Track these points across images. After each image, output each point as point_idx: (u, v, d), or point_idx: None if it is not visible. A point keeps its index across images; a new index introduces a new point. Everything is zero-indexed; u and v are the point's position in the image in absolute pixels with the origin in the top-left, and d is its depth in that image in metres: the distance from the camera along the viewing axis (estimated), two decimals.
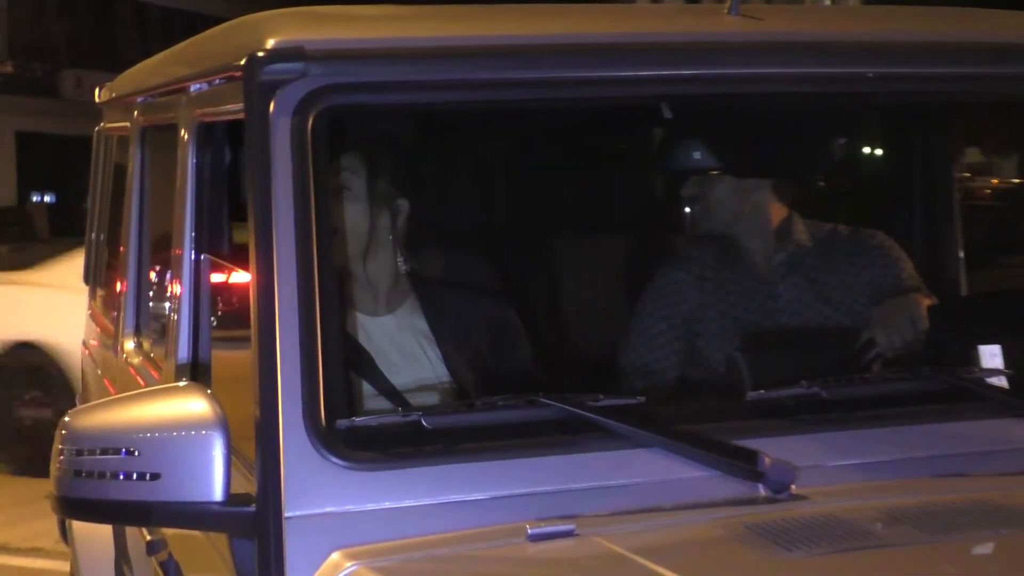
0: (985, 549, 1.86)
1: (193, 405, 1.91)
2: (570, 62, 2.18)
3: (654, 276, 2.87)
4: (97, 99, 4.27)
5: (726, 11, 2.37)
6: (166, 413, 1.91)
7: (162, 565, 2.65)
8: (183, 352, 2.56)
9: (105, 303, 4.02)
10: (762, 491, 1.95)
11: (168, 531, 2.74)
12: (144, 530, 2.89)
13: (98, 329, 4.11)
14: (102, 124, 4.31)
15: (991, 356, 2.24)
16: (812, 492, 1.96)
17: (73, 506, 1.98)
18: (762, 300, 2.79)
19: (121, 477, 1.89)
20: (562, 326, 3.19)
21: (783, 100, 2.46)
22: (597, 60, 2.20)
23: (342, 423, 1.92)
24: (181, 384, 2.12)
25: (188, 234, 2.59)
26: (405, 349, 2.70)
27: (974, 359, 2.26)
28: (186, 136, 2.62)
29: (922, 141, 3.34)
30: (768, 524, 1.86)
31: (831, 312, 2.76)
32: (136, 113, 3.39)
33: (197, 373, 2.53)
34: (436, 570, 1.84)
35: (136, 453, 1.89)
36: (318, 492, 1.87)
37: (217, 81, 2.36)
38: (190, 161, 2.60)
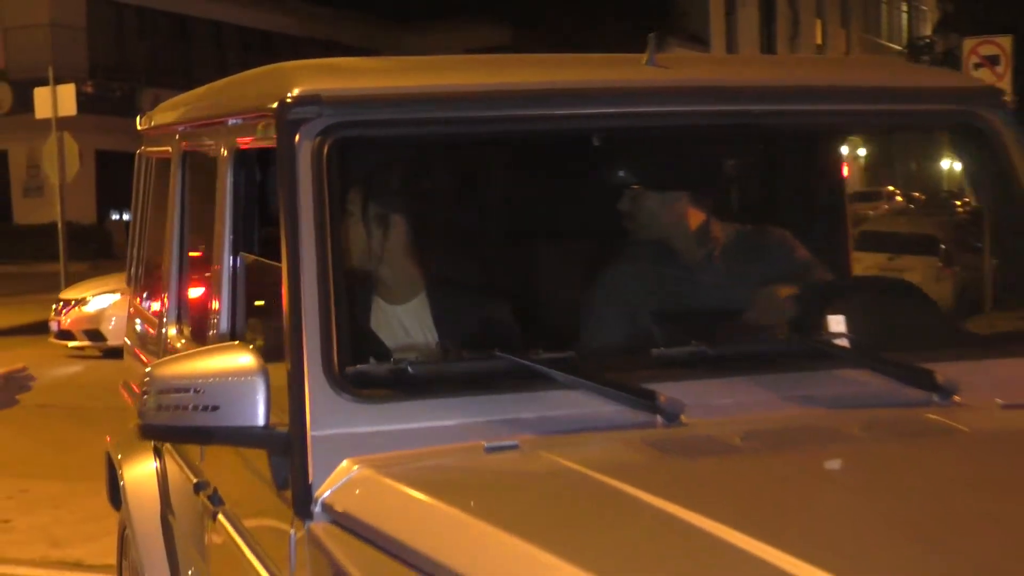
0: (814, 456, 2.58)
1: (243, 359, 2.63)
2: (522, 103, 2.92)
3: (604, 269, 3.59)
4: (139, 126, 4.98)
5: (644, 62, 3.11)
6: (223, 363, 2.63)
7: (209, 498, 3.36)
8: (224, 326, 3.28)
9: (148, 299, 4.74)
10: (659, 420, 2.66)
11: (209, 471, 3.47)
12: (191, 474, 3.62)
13: (139, 324, 4.83)
14: (143, 148, 5.02)
15: (837, 323, 2.96)
16: (696, 422, 2.68)
17: (155, 432, 2.69)
18: (685, 285, 3.50)
19: (190, 409, 2.60)
20: (536, 309, 3.90)
21: (688, 131, 3.19)
22: (544, 101, 2.94)
23: (350, 370, 2.63)
24: (234, 344, 2.84)
25: (227, 236, 3.31)
26: (409, 330, 3.41)
27: (827, 326, 2.98)
28: (225, 158, 3.34)
29: (815, 158, 4.10)
30: (660, 440, 2.58)
31: (740, 292, 3.47)
32: (178, 139, 4.10)
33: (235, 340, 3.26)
34: (418, 472, 2.54)
35: (201, 392, 2.60)
36: (333, 419, 2.57)
37: (253, 117, 3.08)
38: (228, 178, 3.33)
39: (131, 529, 4.29)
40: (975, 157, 3.39)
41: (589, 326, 3.46)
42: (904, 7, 65.35)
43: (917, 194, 40.45)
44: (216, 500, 3.33)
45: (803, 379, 2.81)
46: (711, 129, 3.19)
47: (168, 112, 4.52)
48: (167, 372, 2.68)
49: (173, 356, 2.82)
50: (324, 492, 2.52)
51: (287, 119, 2.75)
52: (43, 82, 20.30)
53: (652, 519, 2.16)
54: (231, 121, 3.34)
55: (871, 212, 26.78)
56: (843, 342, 2.90)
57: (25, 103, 27.59)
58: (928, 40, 38.95)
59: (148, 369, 2.72)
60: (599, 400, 2.68)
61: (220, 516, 3.29)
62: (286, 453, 2.60)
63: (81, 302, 15.43)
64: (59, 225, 19.76)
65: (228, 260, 3.31)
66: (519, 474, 2.57)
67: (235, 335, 3.25)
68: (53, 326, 15.59)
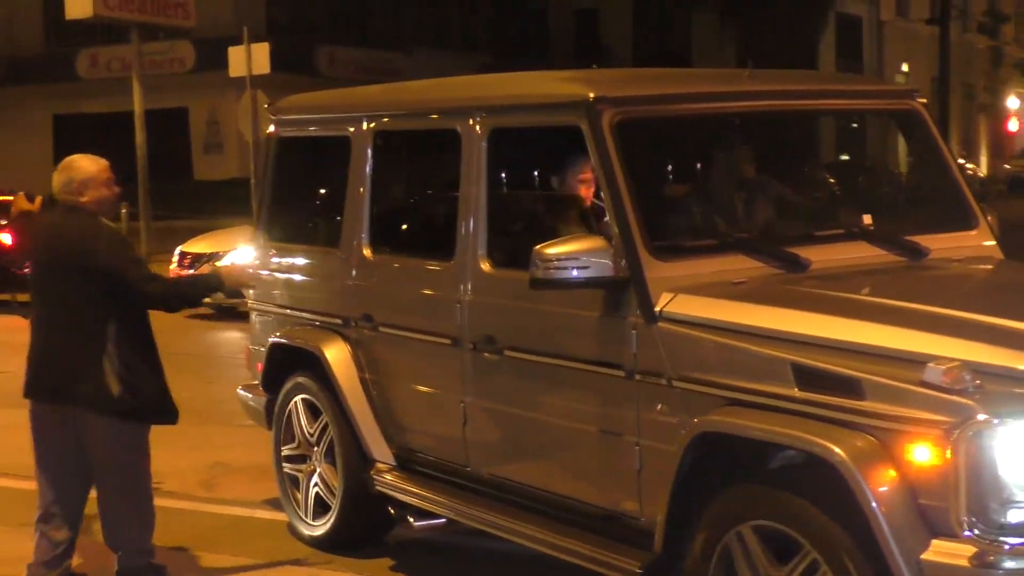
0: (890, 277, 4.78)
1: (595, 242, 4.47)
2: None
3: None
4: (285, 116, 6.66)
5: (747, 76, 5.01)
6: (591, 244, 4.47)
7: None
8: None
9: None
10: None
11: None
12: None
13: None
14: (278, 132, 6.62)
15: (866, 217, 5.08)
16: (816, 268, 4.58)
17: (546, 284, 4.51)
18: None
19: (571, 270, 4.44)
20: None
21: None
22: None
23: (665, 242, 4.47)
24: (591, 235, 4.66)
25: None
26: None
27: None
28: (481, 137, 5.14)
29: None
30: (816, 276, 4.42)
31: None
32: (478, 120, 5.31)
33: None
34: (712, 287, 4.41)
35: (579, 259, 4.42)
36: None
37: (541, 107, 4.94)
38: (484, 156, 5.14)
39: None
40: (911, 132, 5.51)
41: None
42: None
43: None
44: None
45: (849, 246, 4.84)
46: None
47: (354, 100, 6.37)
48: (551, 251, 4.48)
49: (551, 243, 4.60)
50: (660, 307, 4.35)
51: (597, 109, 4.59)
52: (227, 41, 21.31)
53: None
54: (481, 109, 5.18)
55: None
56: (868, 228, 4.89)
57: (206, 61, 29.55)
58: None
59: (536, 248, 4.51)
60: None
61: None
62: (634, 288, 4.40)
63: (214, 256, 14.50)
64: (251, 181, 20.33)
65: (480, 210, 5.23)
66: (766, 289, 4.41)
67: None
68: None
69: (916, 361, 3.67)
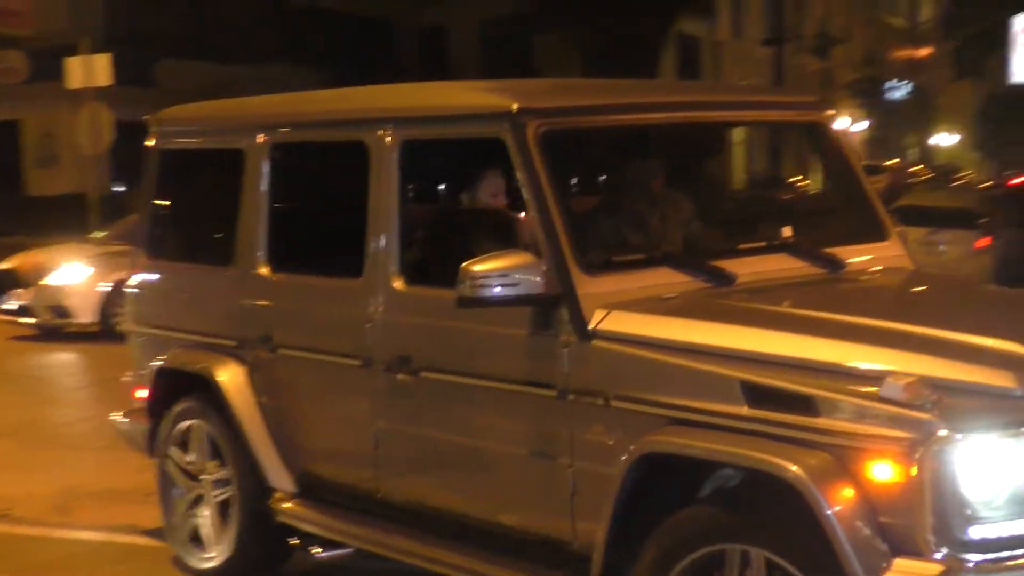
0: (811, 290, 4.75)
1: (523, 258, 4.31)
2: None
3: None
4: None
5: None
6: (517, 261, 4.30)
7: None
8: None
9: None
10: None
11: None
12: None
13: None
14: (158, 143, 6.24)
15: (786, 230, 5.04)
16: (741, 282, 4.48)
17: (475, 303, 4.32)
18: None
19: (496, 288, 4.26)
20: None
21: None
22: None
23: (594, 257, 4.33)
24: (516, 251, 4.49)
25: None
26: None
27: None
28: (393, 149, 4.92)
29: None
30: (741, 290, 4.33)
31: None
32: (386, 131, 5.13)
33: None
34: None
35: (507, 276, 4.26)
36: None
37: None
38: (395, 169, 4.94)
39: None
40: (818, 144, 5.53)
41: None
42: None
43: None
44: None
45: (771, 259, 4.77)
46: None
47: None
48: (479, 268, 4.30)
49: (478, 259, 4.41)
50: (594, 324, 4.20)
51: (521, 121, 4.45)
52: (62, 51, 20.49)
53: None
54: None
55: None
56: (788, 240, 4.85)
57: (40, 72, 28.48)
58: None
59: (463, 266, 4.33)
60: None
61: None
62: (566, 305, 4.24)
63: (40, 273, 14.03)
64: (87, 196, 19.99)
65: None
66: (700, 304, 4.32)
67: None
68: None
69: (871, 377, 3.61)
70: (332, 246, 5.56)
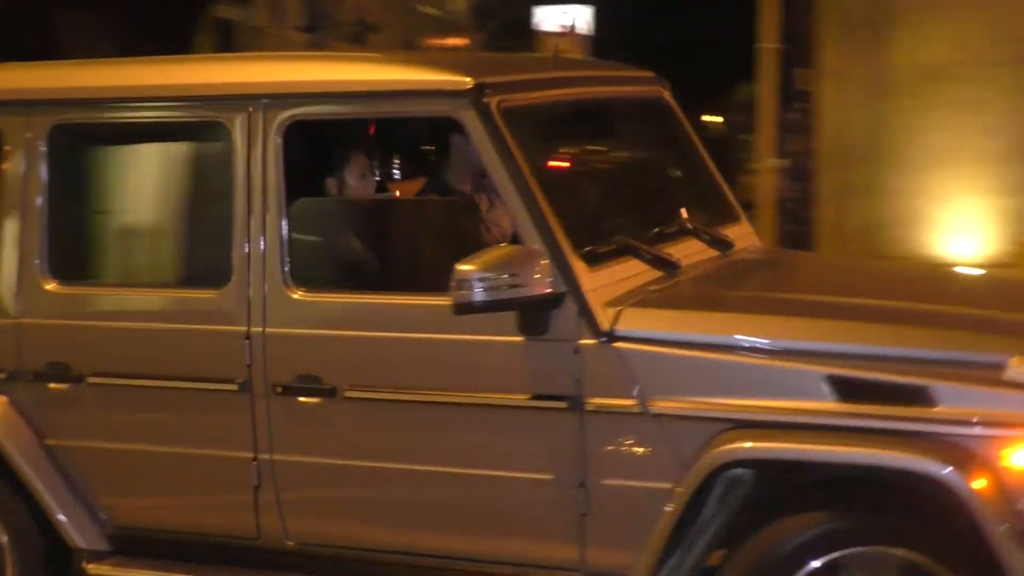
0: (745, 267, 4.63)
1: (526, 252, 3.78)
2: None
3: None
4: None
5: None
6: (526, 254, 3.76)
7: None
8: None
9: None
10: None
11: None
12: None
13: None
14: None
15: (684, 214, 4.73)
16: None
17: (477, 307, 3.70)
18: None
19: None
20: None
21: None
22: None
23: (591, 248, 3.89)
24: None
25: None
26: None
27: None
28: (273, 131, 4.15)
29: None
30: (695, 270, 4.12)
31: None
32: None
33: None
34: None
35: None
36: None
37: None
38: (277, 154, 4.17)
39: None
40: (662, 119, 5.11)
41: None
42: None
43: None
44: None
45: (684, 244, 4.47)
46: None
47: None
48: (478, 269, 3.70)
49: (472, 258, 3.78)
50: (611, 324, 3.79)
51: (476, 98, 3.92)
52: None
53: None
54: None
55: None
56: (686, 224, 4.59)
57: None
58: None
59: (459, 267, 3.71)
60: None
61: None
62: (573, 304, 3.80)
63: None
64: None
65: None
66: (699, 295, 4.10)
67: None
68: None
69: (983, 363, 3.53)
70: (158, 251, 4.62)
